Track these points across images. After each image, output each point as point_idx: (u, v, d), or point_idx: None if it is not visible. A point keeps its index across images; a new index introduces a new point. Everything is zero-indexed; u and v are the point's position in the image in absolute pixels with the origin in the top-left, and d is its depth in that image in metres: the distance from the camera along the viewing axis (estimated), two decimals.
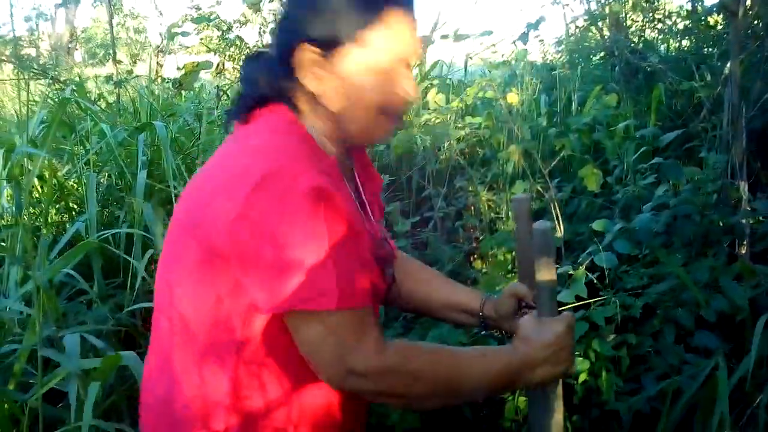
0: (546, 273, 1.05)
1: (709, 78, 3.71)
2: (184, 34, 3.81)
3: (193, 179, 1.09)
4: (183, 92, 4.32)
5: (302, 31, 1.01)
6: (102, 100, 4.14)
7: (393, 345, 0.99)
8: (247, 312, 0.97)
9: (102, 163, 2.86)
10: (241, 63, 4.75)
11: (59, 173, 2.85)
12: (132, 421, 1.74)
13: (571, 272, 2.06)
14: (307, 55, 1.01)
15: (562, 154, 2.82)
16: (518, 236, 1.25)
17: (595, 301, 2.03)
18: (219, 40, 5.00)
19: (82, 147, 2.97)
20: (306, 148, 1.01)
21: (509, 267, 2.53)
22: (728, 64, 2.57)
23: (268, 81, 1.06)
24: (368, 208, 1.20)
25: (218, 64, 4.17)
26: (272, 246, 0.90)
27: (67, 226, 2.64)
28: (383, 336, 0.99)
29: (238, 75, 1.18)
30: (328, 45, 1.00)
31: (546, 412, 1.11)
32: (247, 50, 5.12)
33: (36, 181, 2.77)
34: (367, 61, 1.00)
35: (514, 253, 2.57)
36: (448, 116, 2.95)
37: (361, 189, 1.20)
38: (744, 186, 2.27)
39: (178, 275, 1.03)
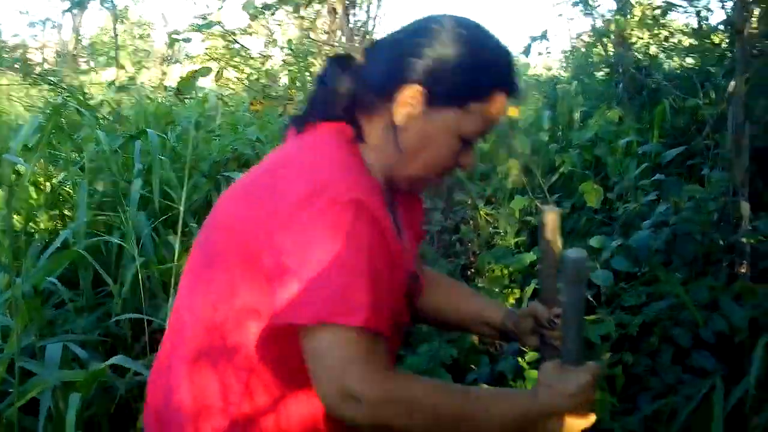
0: (574, 317, 0.97)
1: (713, 95, 3.69)
2: (186, 40, 3.81)
3: (235, 185, 1.09)
4: (185, 100, 4.31)
5: (422, 76, 1.02)
6: (104, 106, 4.13)
7: (398, 376, 0.95)
8: (242, 319, 0.97)
9: (96, 170, 2.83)
10: (244, 69, 4.74)
11: (54, 180, 2.83)
12: None
13: None
14: (413, 95, 1.02)
15: (562, 170, 2.79)
16: (543, 253, 1.15)
17: (591, 318, 1.99)
18: (224, 50, 5.01)
19: (77, 154, 2.95)
20: (356, 165, 1.02)
21: (506, 282, 2.49)
22: (732, 82, 2.54)
23: (352, 96, 1.07)
24: (405, 240, 1.16)
25: (218, 71, 4.16)
26: (308, 258, 0.90)
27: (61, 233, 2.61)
28: (392, 371, 0.95)
29: (314, 77, 1.16)
30: (437, 99, 1.02)
31: None
32: (251, 60, 5.12)
33: (32, 189, 2.75)
34: (459, 125, 1.03)
35: (510, 268, 2.54)
36: None
37: (400, 220, 1.18)
38: (746, 205, 2.23)
39: (186, 279, 1.06)
